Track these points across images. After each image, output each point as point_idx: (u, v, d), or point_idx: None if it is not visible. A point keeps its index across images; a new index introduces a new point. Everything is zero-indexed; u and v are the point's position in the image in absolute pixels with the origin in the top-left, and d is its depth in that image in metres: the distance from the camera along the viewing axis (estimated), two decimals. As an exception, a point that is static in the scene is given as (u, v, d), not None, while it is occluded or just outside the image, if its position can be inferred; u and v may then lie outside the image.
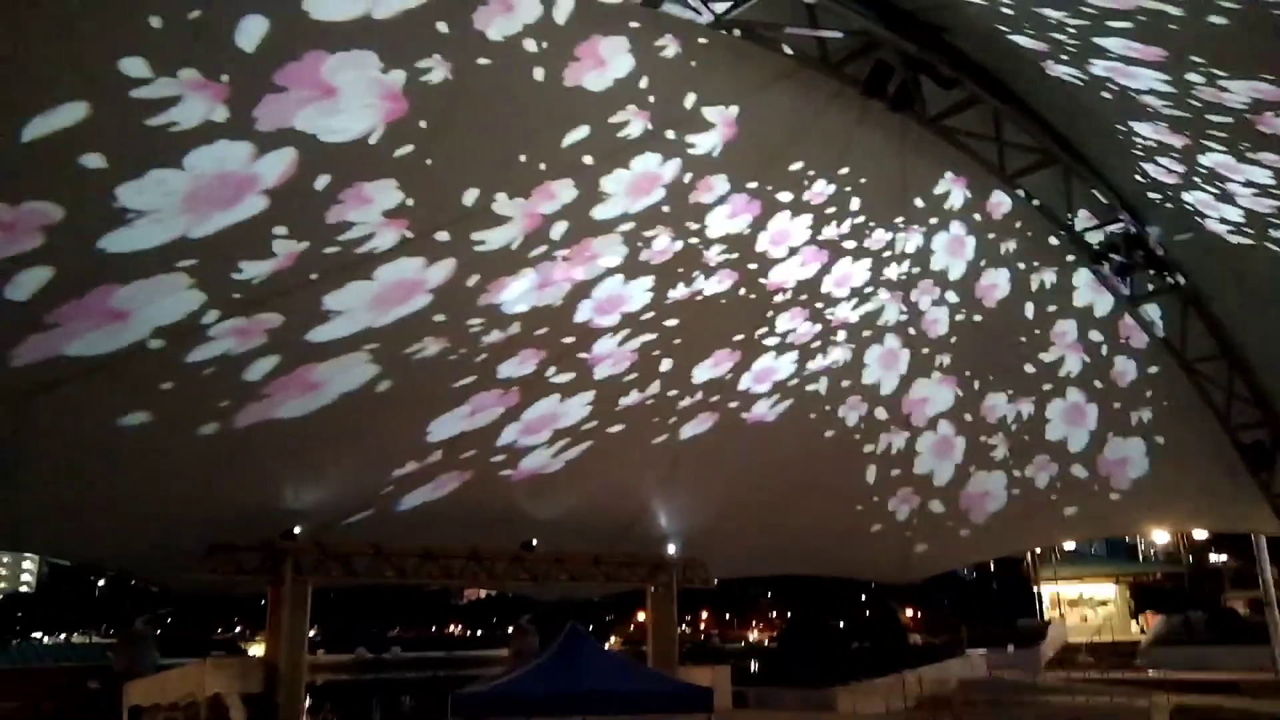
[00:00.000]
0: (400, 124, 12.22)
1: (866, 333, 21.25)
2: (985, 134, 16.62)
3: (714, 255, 17.44)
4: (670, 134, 14.71)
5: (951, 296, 20.75)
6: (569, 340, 17.44)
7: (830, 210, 17.97)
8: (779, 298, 19.27)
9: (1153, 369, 21.19)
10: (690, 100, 14.49)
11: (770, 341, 20.22)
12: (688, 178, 15.56)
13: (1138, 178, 16.01)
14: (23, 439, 13.62)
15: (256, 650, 54.09)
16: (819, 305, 19.99)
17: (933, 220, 19.11)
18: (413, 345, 15.75)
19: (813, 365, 21.33)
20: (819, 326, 20.52)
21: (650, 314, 17.82)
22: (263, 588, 20.39)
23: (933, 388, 22.62)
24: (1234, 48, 9.48)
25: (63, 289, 11.81)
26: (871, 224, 18.74)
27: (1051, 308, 20.65)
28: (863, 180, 17.62)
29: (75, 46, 9.52)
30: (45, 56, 9.45)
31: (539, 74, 12.74)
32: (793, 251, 18.36)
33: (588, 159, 14.32)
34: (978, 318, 21.05)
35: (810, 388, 21.77)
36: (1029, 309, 20.70)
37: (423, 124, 12.42)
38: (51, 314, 12.04)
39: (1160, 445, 22.36)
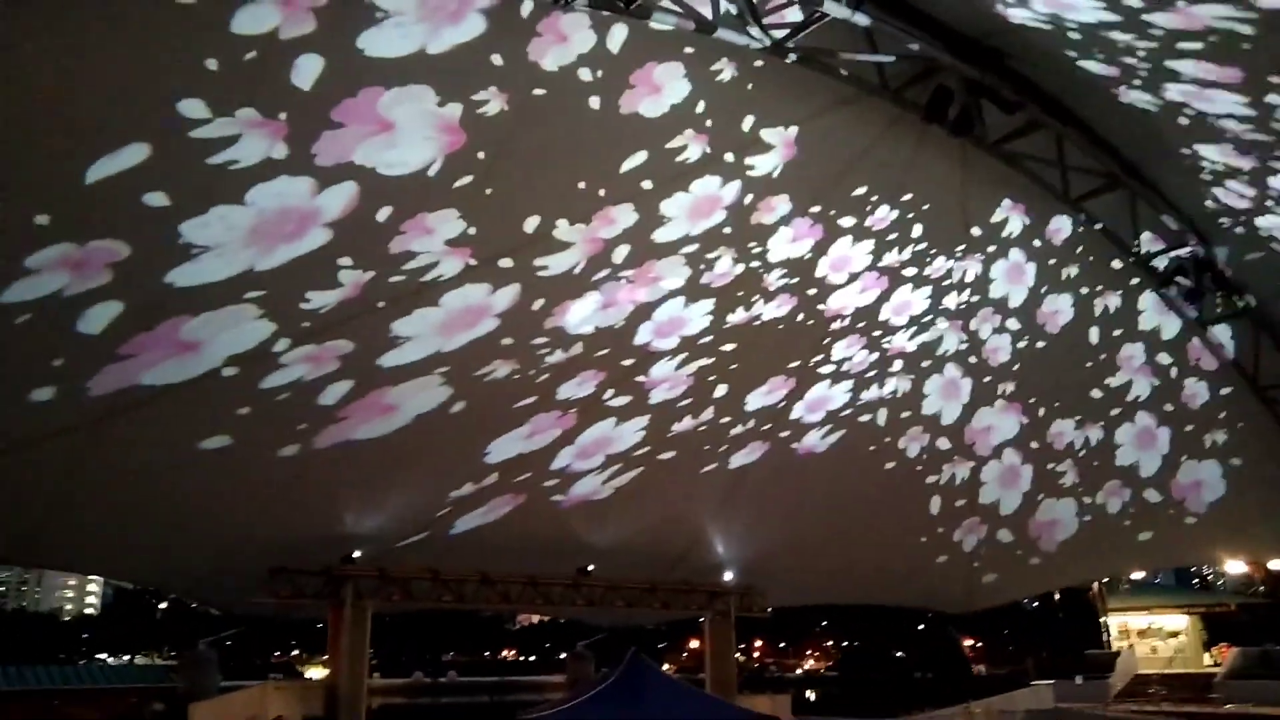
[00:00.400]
0: (459, 155, 12.41)
1: (926, 363, 21.06)
2: (1048, 158, 16.34)
3: (774, 280, 17.40)
4: (729, 156, 14.74)
5: (1013, 324, 20.48)
6: (628, 363, 17.50)
7: (892, 236, 17.85)
8: (836, 325, 19.13)
9: (1225, 390, 20.70)
10: (748, 122, 14.52)
11: (826, 370, 20.06)
12: (749, 199, 15.56)
13: (1208, 203, 15.62)
14: (90, 464, 14.00)
15: (313, 673, 54.64)
16: (877, 334, 19.81)
17: (991, 248, 18.91)
18: (482, 368, 16.02)
19: (867, 395, 21.12)
20: (875, 355, 20.32)
21: (708, 338, 17.81)
22: (322, 611, 20.62)
23: (996, 416, 22.31)
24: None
25: (133, 322, 12.22)
26: (933, 251, 18.59)
27: (1117, 331, 20.32)
28: (925, 207, 17.50)
29: (132, 91, 9.83)
30: (104, 101, 9.76)
31: (595, 102, 12.88)
32: (853, 278, 18.25)
33: (647, 184, 14.42)
34: (1041, 344, 20.73)
35: (864, 418, 21.56)
36: (1094, 334, 20.38)
37: (481, 155, 12.61)
38: (124, 346, 12.45)
39: (1236, 467, 21.82)
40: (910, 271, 18.86)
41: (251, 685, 22.28)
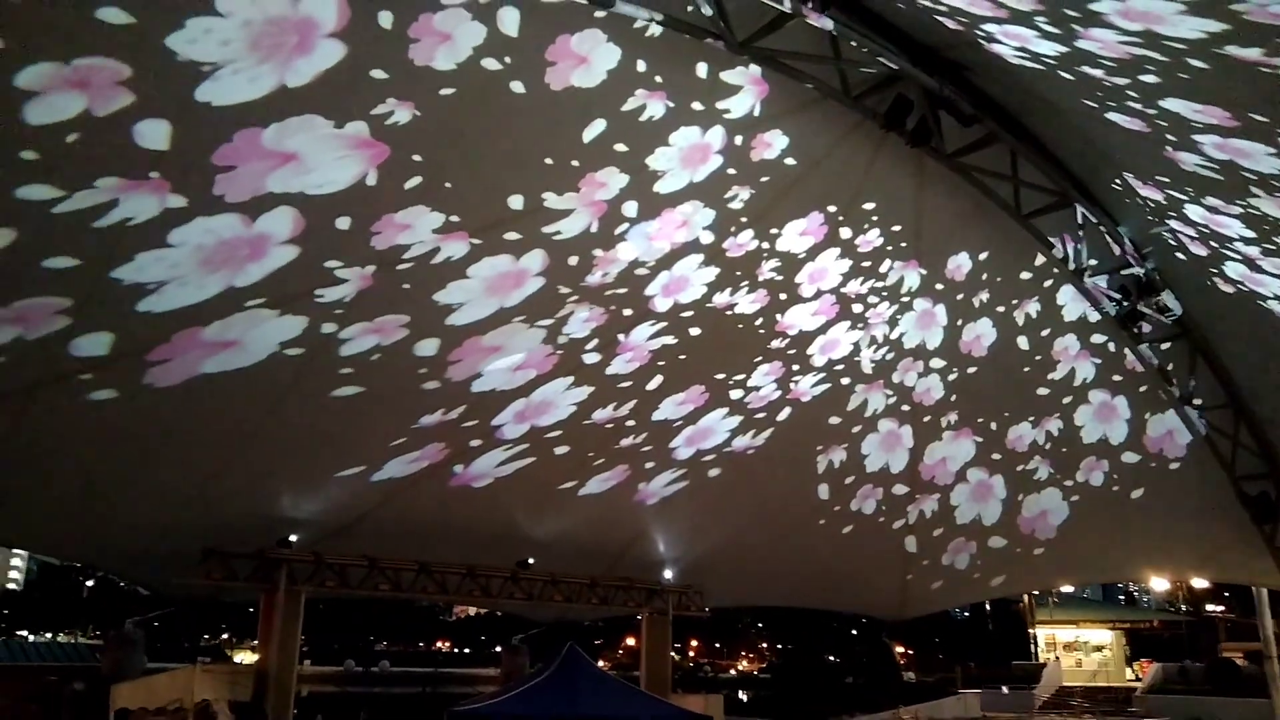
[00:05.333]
0: (392, 163, 11.90)
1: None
2: (1003, 173, 16.50)
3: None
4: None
5: (937, 363, 20.59)
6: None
7: (867, 264, 17.81)
8: (776, 343, 18.80)
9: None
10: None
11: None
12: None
13: (1169, 239, 15.73)
14: (25, 436, 13.60)
15: (243, 658, 53.77)
16: (795, 368, 19.56)
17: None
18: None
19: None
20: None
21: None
22: (254, 595, 20.26)
23: (948, 447, 22.39)
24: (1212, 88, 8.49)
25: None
26: (884, 292, 18.62)
27: (1045, 331, 20.15)
28: (903, 245, 17.58)
29: None
30: None
31: (518, 87, 12.09)
32: (817, 295, 18.05)
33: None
34: (972, 370, 20.77)
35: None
36: (1023, 341, 20.26)
37: (417, 158, 12.12)
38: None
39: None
40: (858, 309, 18.79)
41: (178, 668, 21.76)
